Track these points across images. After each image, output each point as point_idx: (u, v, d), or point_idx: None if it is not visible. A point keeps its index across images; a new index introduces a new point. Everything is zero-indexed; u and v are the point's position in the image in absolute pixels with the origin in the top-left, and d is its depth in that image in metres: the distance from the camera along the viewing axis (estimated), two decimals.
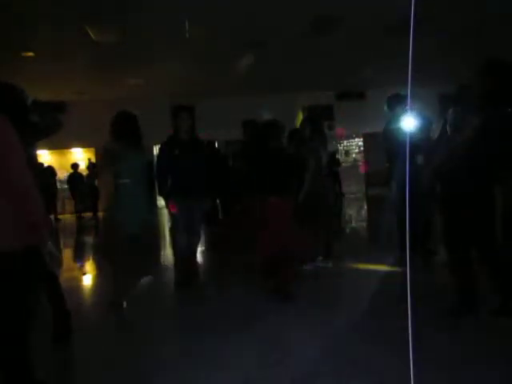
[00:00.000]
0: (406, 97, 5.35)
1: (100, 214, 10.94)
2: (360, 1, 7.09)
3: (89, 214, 12.96)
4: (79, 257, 6.93)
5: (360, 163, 15.11)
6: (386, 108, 5.38)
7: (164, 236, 10.33)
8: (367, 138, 14.53)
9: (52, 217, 11.79)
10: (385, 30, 8.23)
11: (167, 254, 7.87)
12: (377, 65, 10.56)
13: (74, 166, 13.56)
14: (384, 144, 5.32)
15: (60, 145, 13.05)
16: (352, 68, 10.85)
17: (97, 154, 14.51)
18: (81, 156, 14.74)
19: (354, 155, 15.57)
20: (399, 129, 4.97)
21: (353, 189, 14.81)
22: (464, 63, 10.08)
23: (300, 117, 12.34)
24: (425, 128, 5.13)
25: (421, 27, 6.75)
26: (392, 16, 7.40)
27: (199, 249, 5.28)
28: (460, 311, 3.40)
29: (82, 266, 5.74)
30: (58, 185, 13.69)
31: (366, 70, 10.57)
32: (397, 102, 5.29)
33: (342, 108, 14.12)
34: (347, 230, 7.67)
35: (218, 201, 8.98)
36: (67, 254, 6.64)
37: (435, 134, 5.31)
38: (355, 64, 10.45)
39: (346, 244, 6.60)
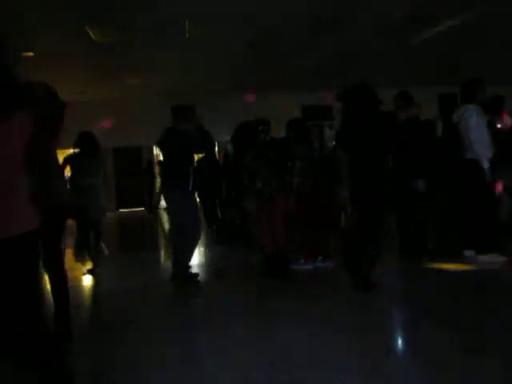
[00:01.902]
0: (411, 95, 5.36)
1: None
2: (360, 1, 7.09)
3: None
4: (80, 256, 6.93)
5: None
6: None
7: (163, 234, 10.32)
8: None
9: None
10: (385, 30, 8.23)
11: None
12: (377, 64, 10.56)
13: None
14: None
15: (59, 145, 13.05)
16: (353, 68, 10.84)
17: None
18: None
19: None
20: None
21: None
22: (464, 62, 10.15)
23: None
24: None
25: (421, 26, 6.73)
26: (391, 16, 7.42)
27: None
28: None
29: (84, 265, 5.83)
30: None
31: None
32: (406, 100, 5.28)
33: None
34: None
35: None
36: (67, 254, 6.63)
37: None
38: (356, 64, 10.45)
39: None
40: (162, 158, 5.43)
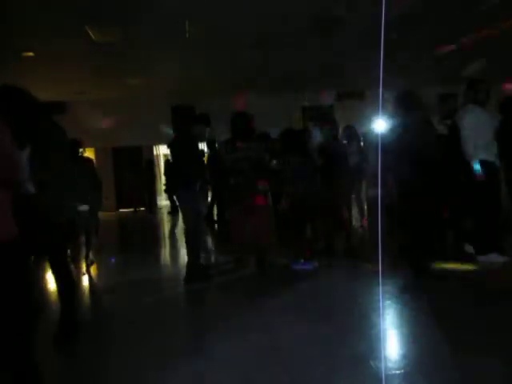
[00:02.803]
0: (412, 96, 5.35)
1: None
2: (360, 1, 7.09)
3: None
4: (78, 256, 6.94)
5: None
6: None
7: (164, 235, 10.34)
8: (367, 139, 14.51)
9: None
10: (385, 30, 8.22)
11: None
12: (376, 65, 10.55)
13: None
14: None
15: None
16: (352, 68, 10.84)
17: (97, 154, 14.50)
18: None
19: None
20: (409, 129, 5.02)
21: None
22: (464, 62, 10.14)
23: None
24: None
25: (421, 26, 6.70)
26: (391, 16, 7.40)
27: None
28: None
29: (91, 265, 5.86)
30: None
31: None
32: (409, 101, 5.29)
33: (342, 108, 14.12)
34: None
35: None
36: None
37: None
38: (355, 64, 10.44)
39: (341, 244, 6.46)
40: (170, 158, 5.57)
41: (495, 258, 4.73)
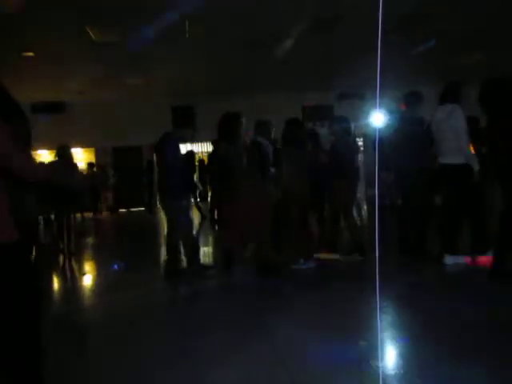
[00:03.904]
0: (422, 95, 5.36)
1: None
2: (360, 1, 7.09)
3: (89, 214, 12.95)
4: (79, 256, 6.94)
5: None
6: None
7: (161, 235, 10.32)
8: (366, 139, 14.52)
9: None
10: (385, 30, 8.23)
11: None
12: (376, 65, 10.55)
13: (91, 165, 13.52)
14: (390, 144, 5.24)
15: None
16: (352, 68, 10.84)
17: (96, 154, 14.51)
18: (80, 156, 14.75)
19: None
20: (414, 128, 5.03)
21: None
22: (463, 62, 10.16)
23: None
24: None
25: (420, 27, 6.71)
26: (390, 16, 7.41)
27: None
28: None
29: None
30: None
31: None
32: (416, 100, 5.29)
33: (342, 108, 14.13)
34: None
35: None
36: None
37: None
38: (355, 64, 10.44)
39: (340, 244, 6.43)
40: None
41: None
